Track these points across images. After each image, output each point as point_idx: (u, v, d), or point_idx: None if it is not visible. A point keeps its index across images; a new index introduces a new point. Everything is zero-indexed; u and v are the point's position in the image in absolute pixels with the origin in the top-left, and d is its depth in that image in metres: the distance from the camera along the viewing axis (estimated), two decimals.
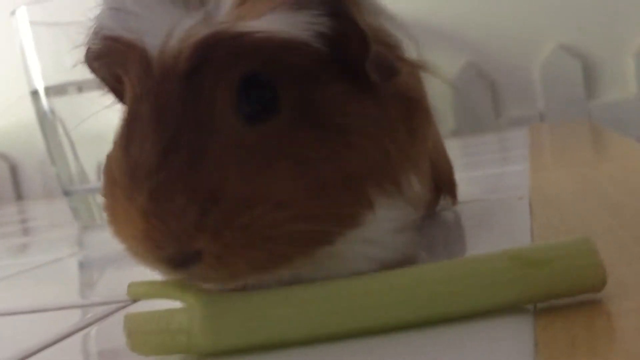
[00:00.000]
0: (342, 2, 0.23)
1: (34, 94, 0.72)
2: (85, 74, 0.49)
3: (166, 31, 0.22)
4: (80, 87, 0.71)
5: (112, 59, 0.24)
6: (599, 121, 1.45)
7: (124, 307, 0.30)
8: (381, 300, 0.21)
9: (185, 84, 0.21)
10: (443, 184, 0.39)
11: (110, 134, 0.59)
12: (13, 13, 0.71)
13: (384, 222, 0.25)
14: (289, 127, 0.22)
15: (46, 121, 0.73)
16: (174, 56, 0.21)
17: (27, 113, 0.74)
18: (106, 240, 0.61)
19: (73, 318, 0.31)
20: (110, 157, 0.23)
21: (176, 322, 0.22)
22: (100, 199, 0.64)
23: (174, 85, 0.21)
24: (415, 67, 0.28)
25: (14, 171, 1.85)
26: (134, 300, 0.31)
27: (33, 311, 0.33)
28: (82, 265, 0.49)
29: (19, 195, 1.85)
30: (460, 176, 0.47)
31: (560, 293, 0.21)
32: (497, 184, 0.47)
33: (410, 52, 0.29)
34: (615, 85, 1.52)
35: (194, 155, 0.21)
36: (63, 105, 0.72)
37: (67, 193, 0.74)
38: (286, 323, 0.22)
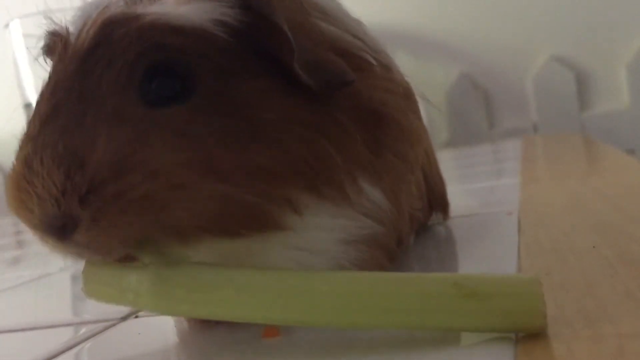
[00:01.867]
0: None
1: (27, 106, 0.72)
2: None
3: (86, 19, 0.24)
4: None
5: (51, 51, 0.25)
6: (591, 132, 1.46)
7: (114, 324, 0.30)
8: (317, 299, 0.21)
9: (82, 62, 0.23)
10: (435, 201, 0.39)
11: None
12: (7, 26, 0.72)
13: (322, 231, 0.25)
14: (191, 113, 0.23)
15: None
16: (80, 38, 0.23)
17: (22, 124, 0.74)
18: None
19: (65, 336, 0.31)
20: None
21: (126, 281, 0.23)
22: None
23: (73, 63, 0.23)
24: (381, 80, 0.28)
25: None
26: (124, 318, 0.31)
27: (25, 329, 0.33)
28: (75, 279, 0.49)
29: None
30: (453, 189, 0.47)
31: (495, 328, 0.20)
32: (488, 198, 0.48)
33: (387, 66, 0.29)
34: (607, 96, 1.53)
35: (69, 123, 0.22)
36: None
37: None
38: (227, 304, 0.22)
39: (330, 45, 0.25)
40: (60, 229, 0.22)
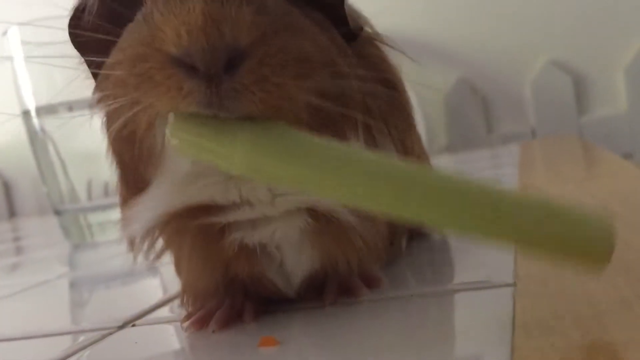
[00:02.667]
0: None
1: (26, 113, 0.73)
2: (76, 94, 0.49)
3: None
4: (70, 106, 0.71)
5: None
6: (589, 136, 1.46)
7: (112, 333, 0.30)
8: (402, 188, 0.22)
9: None
10: None
11: (100, 153, 0.58)
12: (5, 33, 0.72)
13: None
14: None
15: (37, 140, 0.73)
16: None
17: (20, 130, 0.74)
18: (96, 259, 0.61)
19: (63, 344, 0.31)
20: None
21: (222, 134, 0.22)
22: (90, 218, 0.63)
23: None
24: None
25: (7, 188, 1.85)
26: (121, 327, 0.31)
27: (22, 338, 0.33)
28: (73, 286, 0.49)
29: (12, 212, 1.85)
30: None
31: (569, 252, 0.21)
32: None
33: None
34: (605, 100, 1.53)
35: None
36: (54, 125, 0.72)
37: (57, 212, 0.74)
38: (318, 179, 0.22)
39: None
40: (227, 64, 0.22)
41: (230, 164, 0.22)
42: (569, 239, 0.21)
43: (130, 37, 0.24)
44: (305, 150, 0.22)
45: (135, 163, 0.26)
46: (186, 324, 0.28)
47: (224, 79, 0.22)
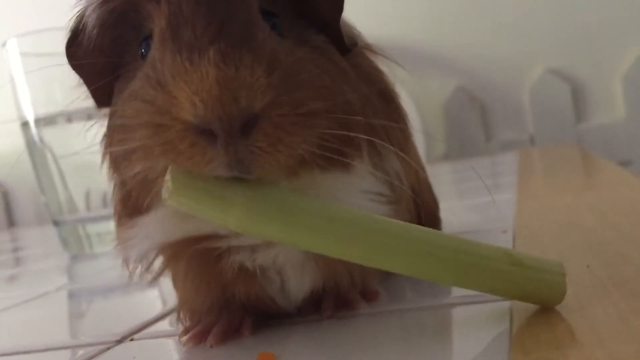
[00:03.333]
0: None
1: (24, 124, 0.73)
2: (74, 104, 0.50)
3: None
4: (69, 117, 0.71)
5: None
6: (588, 144, 1.46)
7: (110, 347, 0.30)
8: (393, 249, 0.24)
9: None
10: (427, 219, 0.39)
11: (98, 164, 0.58)
12: (4, 45, 0.72)
13: (370, 179, 0.28)
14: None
15: (36, 151, 0.73)
16: None
17: (19, 140, 0.74)
18: (94, 271, 0.61)
19: (61, 359, 0.31)
20: (150, 65, 0.25)
21: (221, 189, 0.24)
22: (88, 229, 0.64)
23: None
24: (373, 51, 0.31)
25: (6, 198, 1.85)
26: (119, 341, 0.31)
27: (21, 352, 0.33)
28: (71, 298, 0.49)
29: (11, 222, 1.85)
30: (449, 205, 0.47)
31: (529, 297, 0.24)
32: (483, 215, 0.48)
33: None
34: (603, 108, 1.53)
35: (245, 31, 0.24)
36: (52, 136, 0.72)
37: (56, 223, 0.75)
38: (315, 234, 0.24)
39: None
40: (242, 127, 0.23)
41: (224, 222, 0.24)
42: (525, 286, 0.24)
43: (143, 98, 0.24)
44: (292, 212, 0.24)
45: (137, 190, 0.27)
46: (184, 338, 0.29)
47: (240, 142, 0.23)
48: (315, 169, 0.25)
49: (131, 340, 0.31)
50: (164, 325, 0.33)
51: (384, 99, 0.30)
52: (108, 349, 0.30)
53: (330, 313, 0.29)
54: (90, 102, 0.32)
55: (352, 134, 0.25)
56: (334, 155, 0.25)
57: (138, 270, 0.29)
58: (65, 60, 0.30)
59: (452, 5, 1.56)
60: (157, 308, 0.39)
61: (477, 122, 1.56)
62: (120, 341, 0.31)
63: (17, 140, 0.76)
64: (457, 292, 0.30)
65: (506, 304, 0.26)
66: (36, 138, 0.72)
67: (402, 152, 0.30)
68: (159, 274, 0.29)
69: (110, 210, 0.79)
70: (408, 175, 0.30)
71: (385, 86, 0.31)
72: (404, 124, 0.32)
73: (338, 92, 0.26)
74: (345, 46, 0.28)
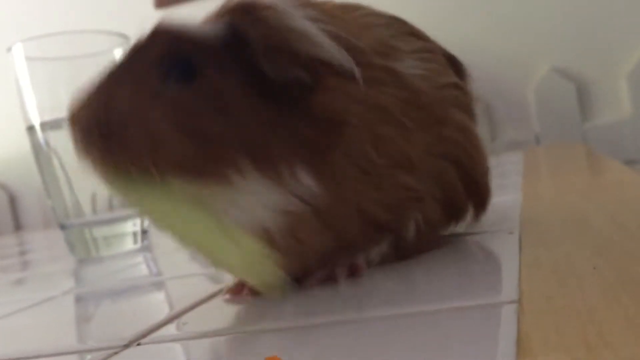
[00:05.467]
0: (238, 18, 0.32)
1: (30, 129, 0.73)
2: None
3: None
4: None
5: None
6: (593, 143, 1.46)
7: (117, 352, 0.30)
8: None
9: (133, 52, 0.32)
10: (466, 185, 0.40)
11: None
12: (9, 50, 0.72)
13: (255, 196, 0.32)
14: (187, 92, 0.31)
15: (42, 155, 0.73)
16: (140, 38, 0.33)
17: (26, 144, 0.75)
18: (101, 274, 0.61)
19: None
20: None
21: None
22: (95, 233, 0.67)
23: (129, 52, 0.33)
24: (349, 91, 0.33)
25: (12, 201, 1.85)
26: (126, 346, 0.31)
27: (28, 357, 0.33)
28: (78, 302, 0.49)
29: (17, 225, 1.85)
30: None
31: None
32: (490, 216, 0.47)
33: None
34: (609, 107, 1.53)
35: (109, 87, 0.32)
36: (58, 140, 0.72)
37: (62, 227, 0.75)
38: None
39: (300, 61, 0.32)
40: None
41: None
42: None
43: None
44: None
45: None
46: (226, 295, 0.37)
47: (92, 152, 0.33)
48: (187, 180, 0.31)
49: (138, 345, 0.31)
50: (171, 329, 0.33)
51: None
52: (115, 353, 0.30)
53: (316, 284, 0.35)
54: None
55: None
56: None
57: None
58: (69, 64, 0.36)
59: (456, 3, 1.56)
60: (164, 312, 0.39)
61: (481, 122, 1.55)
62: (127, 346, 0.31)
63: (23, 145, 0.76)
64: (463, 295, 0.30)
65: (512, 307, 0.26)
66: (42, 142, 0.72)
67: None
68: None
69: (116, 213, 0.80)
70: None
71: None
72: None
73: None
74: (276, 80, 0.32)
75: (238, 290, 0.37)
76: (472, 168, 0.41)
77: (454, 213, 0.41)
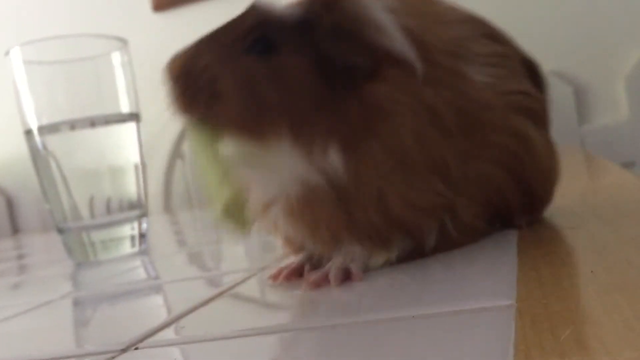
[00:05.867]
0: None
1: (28, 132, 0.73)
2: (77, 112, 0.50)
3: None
4: (73, 125, 0.71)
5: None
6: (591, 145, 1.46)
7: (114, 357, 0.30)
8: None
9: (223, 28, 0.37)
10: (517, 192, 0.41)
11: (102, 171, 0.61)
12: (7, 53, 0.72)
13: (287, 159, 0.35)
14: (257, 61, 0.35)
15: (40, 159, 0.73)
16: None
17: (23, 147, 0.75)
18: (99, 278, 0.61)
19: None
20: None
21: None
22: (92, 236, 0.68)
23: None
24: (399, 85, 0.35)
25: (10, 205, 1.85)
26: (124, 350, 0.31)
27: None
28: (76, 306, 0.49)
29: (15, 228, 1.85)
30: None
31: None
32: None
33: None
34: (606, 110, 1.53)
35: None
36: (56, 143, 0.72)
37: (60, 230, 0.75)
38: None
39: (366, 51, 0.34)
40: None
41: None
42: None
43: None
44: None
45: None
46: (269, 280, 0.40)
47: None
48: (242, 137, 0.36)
49: (136, 349, 0.31)
50: (169, 333, 0.33)
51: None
52: (112, 358, 0.30)
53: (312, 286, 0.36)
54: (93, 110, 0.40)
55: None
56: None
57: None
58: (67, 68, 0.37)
59: None
60: (162, 316, 0.39)
61: None
62: (125, 350, 0.31)
63: (21, 148, 0.76)
64: (460, 298, 0.30)
65: (510, 311, 0.26)
66: (40, 146, 0.72)
67: None
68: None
69: (114, 217, 0.80)
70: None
71: None
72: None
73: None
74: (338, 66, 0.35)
75: (276, 276, 0.40)
76: (526, 175, 0.41)
77: (498, 217, 0.42)
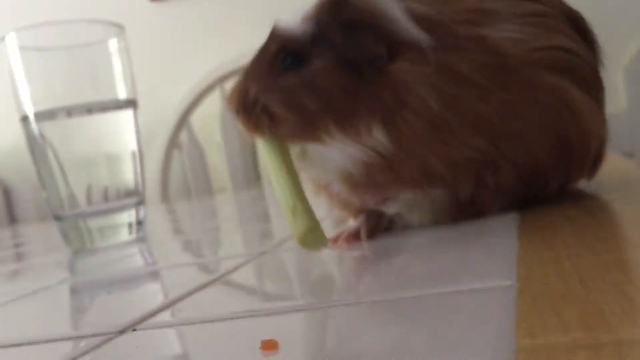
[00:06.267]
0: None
1: (24, 119, 0.72)
2: (74, 99, 0.50)
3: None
4: (69, 111, 0.71)
5: None
6: None
7: (111, 339, 0.30)
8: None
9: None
10: (560, 151, 0.42)
11: (99, 158, 0.60)
12: (2, 39, 0.72)
13: (341, 146, 0.40)
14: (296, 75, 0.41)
15: (36, 146, 0.73)
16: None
17: (20, 136, 0.74)
18: (96, 265, 0.61)
19: (63, 350, 0.30)
20: None
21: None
22: (89, 224, 0.69)
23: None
24: (418, 63, 0.39)
25: (7, 194, 1.85)
26: (122, 332, 0.31)
27: (22, 344, 0.33)
28: (73, 292, 0.49)
29: (12, 218, 1.85)
30: None
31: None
32: None
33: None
34: (606, 100, 1.53)
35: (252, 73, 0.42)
36: (53, 130, 0.72)
37: (57, 218, 0.74)
38: None
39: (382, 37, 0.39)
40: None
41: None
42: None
43: None
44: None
45: None
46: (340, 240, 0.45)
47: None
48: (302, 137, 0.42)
49: (134, 330, 0.31)
50: (167, 316, 0.33)
51: None
52: (110, 339, 0.30)
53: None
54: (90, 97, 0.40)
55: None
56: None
57: None
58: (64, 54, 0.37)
59: None
60: (160, 300, 0.38)
61: None
62: (122, 332, 0.31)
63: (17, 137, 0.76)
64: (460, 279, 0.29)
65: (510, 290, 0.26)
66: (36, 133, 0.72)
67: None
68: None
69: (111, 204, 0.79)
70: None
71: None
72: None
73: None
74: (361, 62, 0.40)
75: (336, 239, 0.45)
76: (569, 133, 0.42)
77: (540, 178, 0.43)
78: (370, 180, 0.41)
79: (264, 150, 0.42)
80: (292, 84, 0.40)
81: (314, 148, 0.41)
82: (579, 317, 0.21)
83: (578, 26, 0.46)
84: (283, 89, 0.41)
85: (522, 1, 0.43)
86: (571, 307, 0.23)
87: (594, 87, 0.45)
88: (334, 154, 0.41)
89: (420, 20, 0.39)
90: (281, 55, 0.41)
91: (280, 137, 0.41)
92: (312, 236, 0.39)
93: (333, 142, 0.40)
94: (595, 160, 0.46)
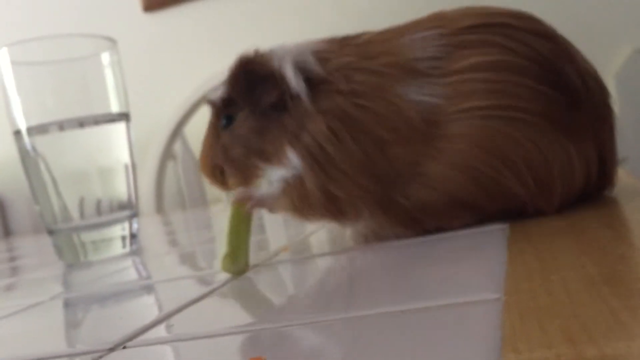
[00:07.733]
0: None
1: (17, 133, 0.72)
2: (66, 113, 0.49)
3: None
4: (61, 126, 0.71)
5: None
6: None
7: (102, 357, 0.30)
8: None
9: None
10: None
11: (91, 171, 0.60)
12: None
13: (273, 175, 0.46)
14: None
15: (29, 160, 0.73)
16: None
17: (14, 149, 0.74)
18: (90, 279, 0.61)
19: None
20: None
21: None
22: (83, 237, 0.69)
23: None
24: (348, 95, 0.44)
25: (1, 207, 1.84)
26: (112, 349, 0.31)
27: None
28: (67, 307, 0.49)
29: (7, 231, 1.84)
30: None
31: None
32: None
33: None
34: None
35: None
36: (45, 144, 0.72)
37: (50, 232, 0.74)
38: None
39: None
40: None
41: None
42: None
43: None
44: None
45: None
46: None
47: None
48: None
49: (124, 348, 0.31)
50: (159, 331, 0.33)
51: None
52: (100, 357, 0.30)
53: None
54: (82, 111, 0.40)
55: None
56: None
57: None
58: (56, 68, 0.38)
59: (452, 2, 1.57)
60: (153, 315, 0.38)
61: None
62: (112, 349, 0.31)
63: (11, 150, 0.76)
64: (447, 292, 0.30)
65: (497, 305, 0.26)
66: (29, 147, 0.72)
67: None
68: None
69: (104, 217, 0.79)
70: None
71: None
72: None
73: None
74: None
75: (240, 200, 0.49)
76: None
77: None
78: (295, 207, 0.46)
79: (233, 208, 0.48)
80: (226, 141, 0.48)
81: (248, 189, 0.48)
82: (563, 331, 0.22)
83: (551, 73, 0.44)
84: (222, 148, 0.48)
85: (474, 52, 0.43)
86: (556, 321, 0.23)
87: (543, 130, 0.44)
88: (272, 186, 0.47)
89: (323, 68, 0.45)
90: (219, 120, 0.49)
91: (232, 187, 0.49)
92: (229, 261, 0.45)
93: (266, 176, 0.46)
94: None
